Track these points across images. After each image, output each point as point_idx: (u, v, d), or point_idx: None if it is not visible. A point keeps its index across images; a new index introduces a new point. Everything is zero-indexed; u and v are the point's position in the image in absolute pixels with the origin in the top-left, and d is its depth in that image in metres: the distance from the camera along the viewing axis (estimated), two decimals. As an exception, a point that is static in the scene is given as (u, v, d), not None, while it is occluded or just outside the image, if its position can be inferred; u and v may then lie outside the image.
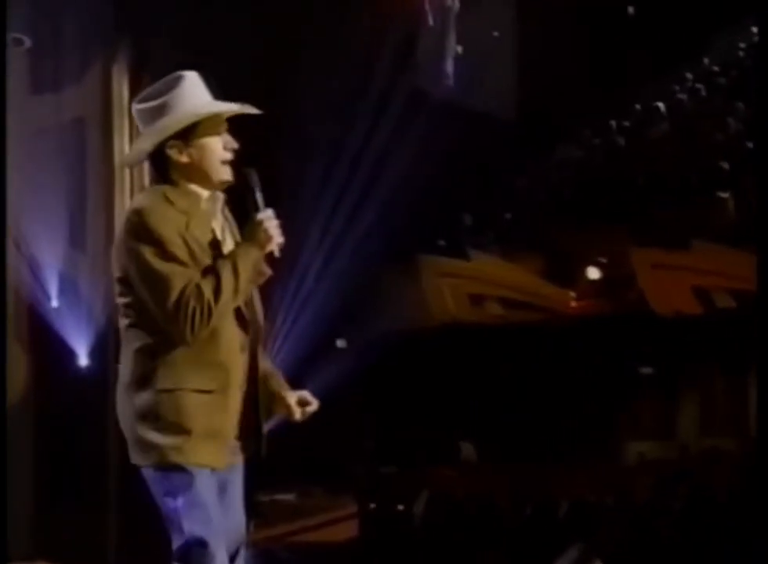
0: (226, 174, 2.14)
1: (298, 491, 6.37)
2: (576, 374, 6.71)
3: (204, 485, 2.07)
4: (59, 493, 5.40)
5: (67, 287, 5.68)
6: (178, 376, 2.05)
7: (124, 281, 2.09)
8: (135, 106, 2.17)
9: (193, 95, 2.15)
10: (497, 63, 7.50)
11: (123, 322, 2.11)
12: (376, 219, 6.76)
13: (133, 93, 6.04)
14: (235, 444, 2.12)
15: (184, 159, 2.12)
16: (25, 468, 5.43)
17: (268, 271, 2.12)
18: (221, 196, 2.18)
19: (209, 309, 2.03)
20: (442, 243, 7.40)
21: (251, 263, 2.08)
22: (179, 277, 2.04)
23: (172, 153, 2.12)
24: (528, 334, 6.79)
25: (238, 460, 2.15)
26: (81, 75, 5.92)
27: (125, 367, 2.10)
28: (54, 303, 5.64)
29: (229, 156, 2.15)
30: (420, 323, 7.06)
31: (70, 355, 5.68)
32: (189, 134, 2.11)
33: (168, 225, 2.06)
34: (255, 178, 2.14)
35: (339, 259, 6.76)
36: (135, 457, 2.09)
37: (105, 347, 5.52)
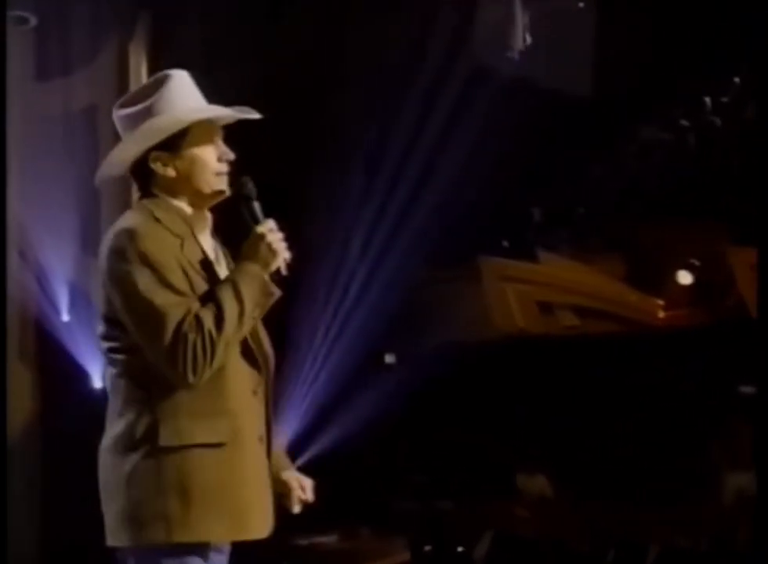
0: (219, 184, 2.11)
1: (340, 532, 6.38)
2: (664, 395, 6.65)
3: None
4: (68, 523, 5.42)
5: (79, 299, 5.71)
6: (181, 430, 1.97)
7: (110, 319, 2.02)
8: (116, 113, 2.13)
9: (181, 97, 2.11)
10: (570, 33, 7.43)
11: (110, 371, 2.04)
12: (429, 217, 6.74)
13: (152, 76, 6.12)
14: (250, 514, 2.03)
15: (170, 173, 2.09)
16: (32, 497, 5.51)
17: (277, 291, 2.05)
18: (209, 214, 2.13)
19: (212, 341, 1.96)
20: (506, 243, 7.39)
21: (255, 284, 2.01)
22: (177, 308, 1.97)
23: (156, 166, 2.08)
24: (607, 348, 6.73)
25: (254, 535, 2.05)
26: (92, 57, 5.97)
27: (115, 425, 2.02)
28: (64, 317, 5.69)
29: (224, 168, 2.11)
30: (481, 335, 7.04)
31: (82, 375, 5.71)
32: (176, 143, 2.08)
33: (162, 248, 2.01)
34: (251, 187, 2.11)
35: (387, 264, 6.76)
36: (120, 537, 1.98)
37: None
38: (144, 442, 1.98)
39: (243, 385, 2.06)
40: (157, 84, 2.13)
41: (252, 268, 2.03)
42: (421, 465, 6.99)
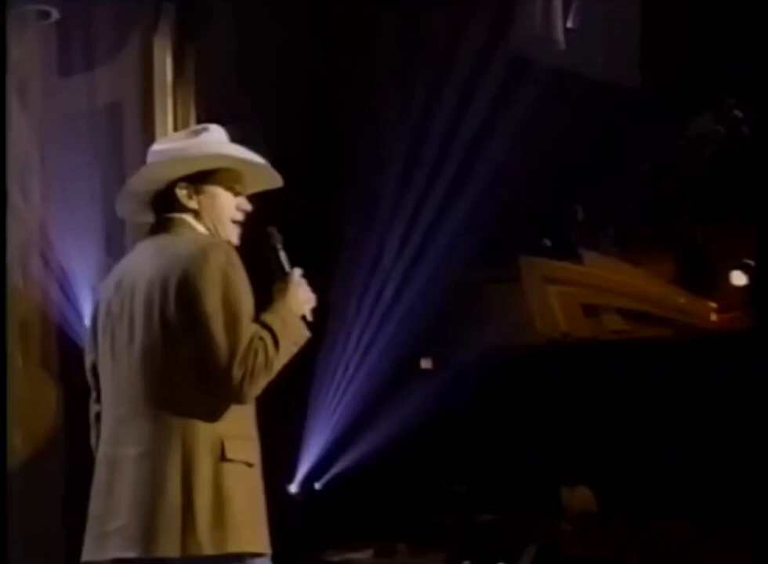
0: (234, 235, 2.37)
1: (376, 547, 6.39)
2: (721, 404, 6.51)
3: None
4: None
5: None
6: (238, 447, 2.24)
7: (173, 328, 2.22)
8: (153, 148, 2.38)
9: (215, 142, 2.36)
10: (616, 24, 7.39)
11: (139, 381, 2.25)
12: (468, 215, 6.72)
13: (178, 71, 6.16)
14: (265, 531, 2.31)
15: (192, 204, 2.34)
16: (55, 511, 5.54)
17: (308, 333, 2.31)
18: None
19: (271, 364, 2.22)
20: (548, 242, 7.36)
21: (296, 322, 2.29)
22: (250, 327, 2.22)
23: (181, 194, 2.33)
24: (657, 353, 6.65)
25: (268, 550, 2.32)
26: (116, 52, 5.99)
27: (157, 435, 2.22)
28: (87, 323, 5.56)
29: (239, 217, 2.36)
30: (522, 339, 7.00)
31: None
32: (202, 179, 2.34)
33: (241, 271, 2.26)
34: (277, 237, 2.36)
35: (423, 265, 6.76)
36: (165, 546, 2.17)
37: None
38: (210, 456, 2.20)
39: (253, 417, 2.34)
40: (195, 132, 2.39)
41: (294, 310, 2.29)
42: (460, 477, 6.93)
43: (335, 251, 6.34)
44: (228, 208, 2.34)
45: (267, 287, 2.36)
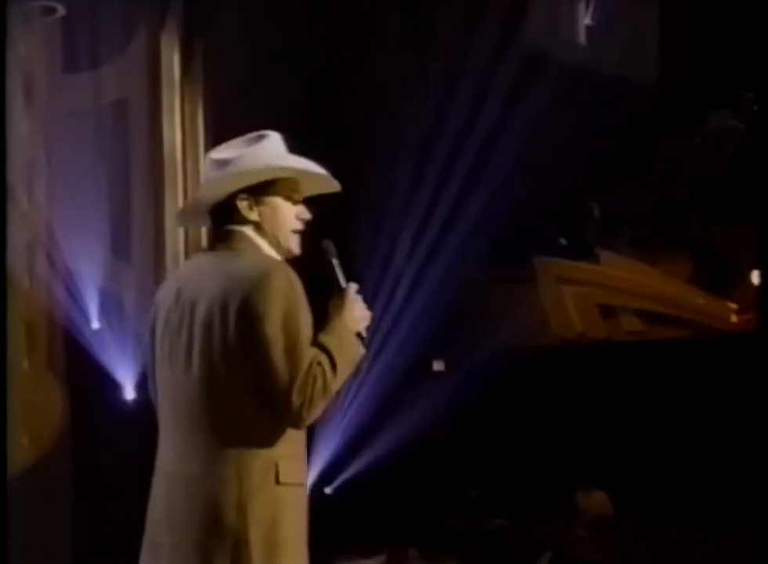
0: (295, 245, 2.39)
1: (388, 553, 6.37)
2: (741, 408, 6.42)
3: None
4: (100, 547, 5.53)
5: (110, 305, 5.73)
6: (291, 469, 2.30)
7: (237, 353, 2.26)
8: (210, 156, 2.40)
9: (274, 151, 2.38)
10: (635, 18, 7.35)
11: (200, 402, 2.28)
12: (482, 214, 6.67)
13: (185, 68, 6.14)
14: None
15: (253, 216, 2.35)
16: (62, 517, 5.58)
17: (363, 350, 2.36)
18: None
19: (329, 389, 2.26)
20: (564, 242, 7.32)
21: (353, 341, 2.33)
22: (309, 352, 2.26)
23: (242, 206, 2.35)
24: (675, 356, 6.62)
25: None
26: (122, 48, 5.98)
27: (216, 458, 2.26)
28: (95, 325, 5.68)
29: (300, 226, 2.39)
30: (537, 341, 6.99)
31: (114, 386, 5.73)
32: (262, 190, 2.35)
33: (301, 294, 2.28)
34: (332, 250, 2.39)
35: (436, 265, 6.74)
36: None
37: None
38: (264, 478, 2.26)
39: (303, 439, 2.37)
40: (254, 140, 2.39)
41: (350, 327, 2.33)
42: (473, 481, 6.89)
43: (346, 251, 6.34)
44: (289, 218, 2.38)
45: (322, 300, 2.39)
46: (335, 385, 2.27)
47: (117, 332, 5.67)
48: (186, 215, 2.52)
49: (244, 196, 2.35)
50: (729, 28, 7.01)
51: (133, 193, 5.96)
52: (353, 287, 2.37)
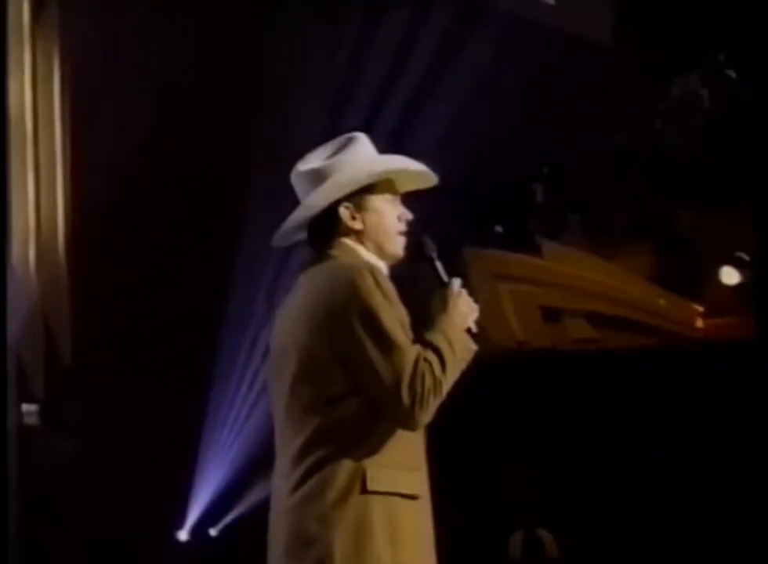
0: (400, 247, 2.60)
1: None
2: (703, 426, 6.34)
3: None
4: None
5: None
6: (386, 477, 2.42)
7: (328, 362, 2.45)
8: (298, 169, 2.62)
9: (368, 154, 2.60)
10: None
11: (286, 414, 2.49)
12: (403, 196, 6.40)
13: (37, 18, 6.04)
14: None
15: (357, 225, 2.56)
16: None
17: (474, 346, 2.54)
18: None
19: (440, 385, 2.40)
20: (500, 229, 7.22)
21: (462, 339, 2.50)
22: (412, 348, 2.42)
23: (345, 216, 2.55)
24: (630, 366, 6.60)
25: None
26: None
27: (299, 470, 2.43)
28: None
29: (404, 228, 2.60)
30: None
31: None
32: (363, 197, 2.57)
33: (390, 291, 2.49)
34: (431, 246, 2.59)
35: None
36: None
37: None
38: (349, 487, 2.40)
39: (423, 447, 2.51)
40: (343, 145, 2.61)
41: (457, 323, 2.51)
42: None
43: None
44: (393, 221, 2.58)
45: (422, 301, 2.56)
46: (447, 382, 2.43)
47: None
48: (285, 235, 2.68)
49: (346, 204, 2.54)
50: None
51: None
52: (457, 281, 2.55)
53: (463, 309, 2.52)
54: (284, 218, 2.61)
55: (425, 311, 2.55)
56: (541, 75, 6.49)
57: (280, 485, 2.50)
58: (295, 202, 2.64)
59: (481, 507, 6.46)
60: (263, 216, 6.37)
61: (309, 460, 2.43)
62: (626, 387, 6.48)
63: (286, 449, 2.50)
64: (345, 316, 2.44)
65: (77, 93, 6.03)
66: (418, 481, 2.48)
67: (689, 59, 7.12)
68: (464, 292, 2.55)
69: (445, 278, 2.56)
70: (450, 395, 2.67)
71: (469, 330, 2.52)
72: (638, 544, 6.40)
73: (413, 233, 2.63)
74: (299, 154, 2.64)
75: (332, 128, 6.29)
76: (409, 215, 2.61)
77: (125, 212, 5.89)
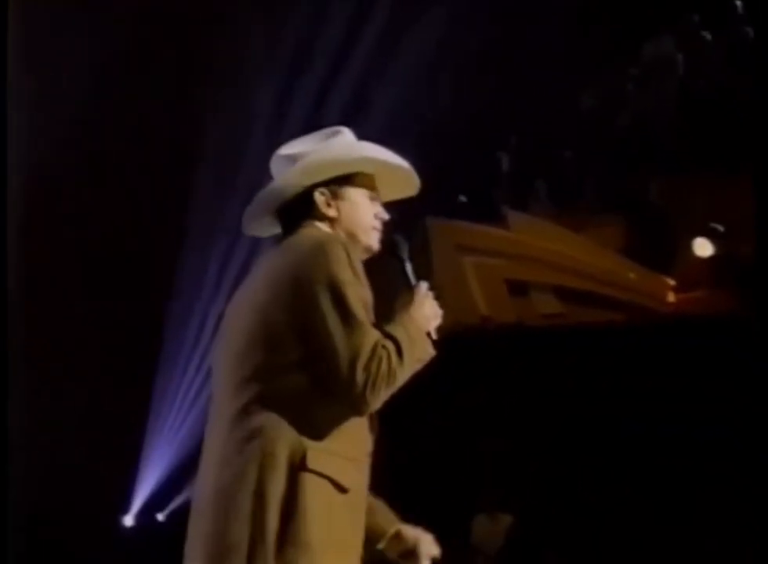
0: (374, 241, 2.60)
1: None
2: (675, 403, 6.34)
3: None
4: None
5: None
6: (326, 460, 2.41)
7: (284, 329, 2.44)
8: (279, 153, 2.64)
9: (351, 145, 2.63)
10: None
11: (234, 387, 2.44)
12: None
13: None
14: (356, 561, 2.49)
15: (331, 212, 2.58)
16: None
17: (433, 350, 2.51)
18: None
19: (393, 374, 2.42)
20: (463, 199, 7.25)
21: (422, 337, 2.50)
22: (373, 332, 2.41)
23: (320, 201, 2.57)
24: (599, 342, 6.63)
25: None
26: None
27: (242, 441, 2.39)
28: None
29: (378, 225, 2.62)
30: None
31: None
32: (340, 185, 2.59)
33: (360, 270, 2.50)
34: (403, 247, 2.62)
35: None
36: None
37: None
38: (290, 463, 2.39)
39: (367, 443, 2.52)
40: (328, 135, 2.64)
41: (419, 324, 2.51)
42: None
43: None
44: (368, 217, 2.61)
45: (388, 299, 2.58)
46: (401, 375, 2.44)
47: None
48: (254, 221, 2.67)
49: (322, 190, 2.56)
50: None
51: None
52: (424, 284, 2.58)
53: (427, 312, 2.54)
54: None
55: (389, 307, 2.56)
56: (507, 38, 6.45)
57: (214, 448, 2.46)
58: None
59: (444, 487, 6.45)
60: (212, 201, 6.41)
61: (249, 423, 2.42)
62: (595, 364, 6.48)
63: (224, 411, 2.48)
64: (311, 285, 2.46)
65: (30, 57, 5.96)
66: (355, 472, 2.48)
67: (662, 21, 7.10)
68: (431, 295, 2.58)
69: (413, 280, 2.60)
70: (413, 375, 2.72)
71: (428, 335, 2.53)
72: (609, 517, 6.41)
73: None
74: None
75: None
76: (386, 216, 2.63)
77: (65, 201, 5.88)
